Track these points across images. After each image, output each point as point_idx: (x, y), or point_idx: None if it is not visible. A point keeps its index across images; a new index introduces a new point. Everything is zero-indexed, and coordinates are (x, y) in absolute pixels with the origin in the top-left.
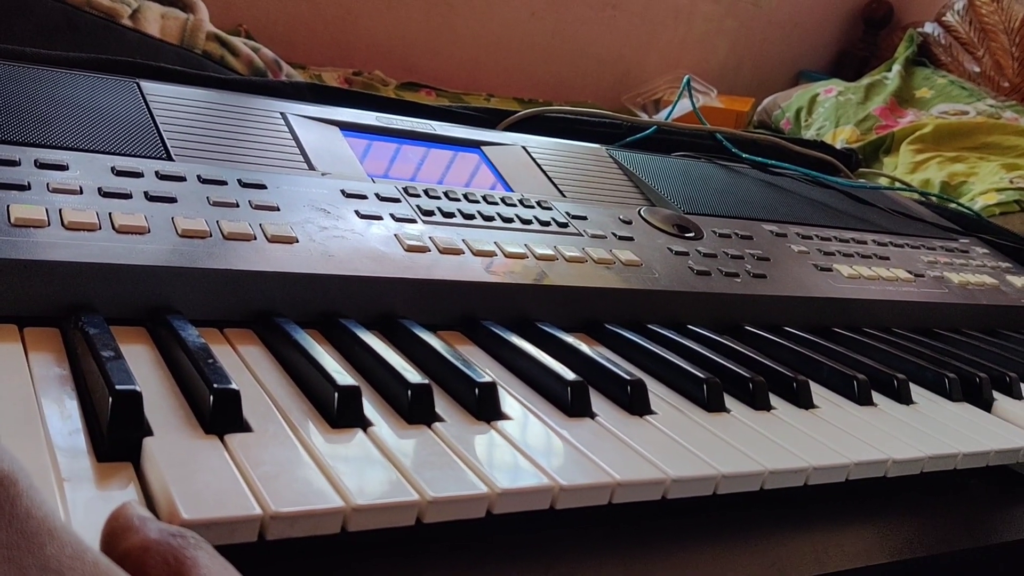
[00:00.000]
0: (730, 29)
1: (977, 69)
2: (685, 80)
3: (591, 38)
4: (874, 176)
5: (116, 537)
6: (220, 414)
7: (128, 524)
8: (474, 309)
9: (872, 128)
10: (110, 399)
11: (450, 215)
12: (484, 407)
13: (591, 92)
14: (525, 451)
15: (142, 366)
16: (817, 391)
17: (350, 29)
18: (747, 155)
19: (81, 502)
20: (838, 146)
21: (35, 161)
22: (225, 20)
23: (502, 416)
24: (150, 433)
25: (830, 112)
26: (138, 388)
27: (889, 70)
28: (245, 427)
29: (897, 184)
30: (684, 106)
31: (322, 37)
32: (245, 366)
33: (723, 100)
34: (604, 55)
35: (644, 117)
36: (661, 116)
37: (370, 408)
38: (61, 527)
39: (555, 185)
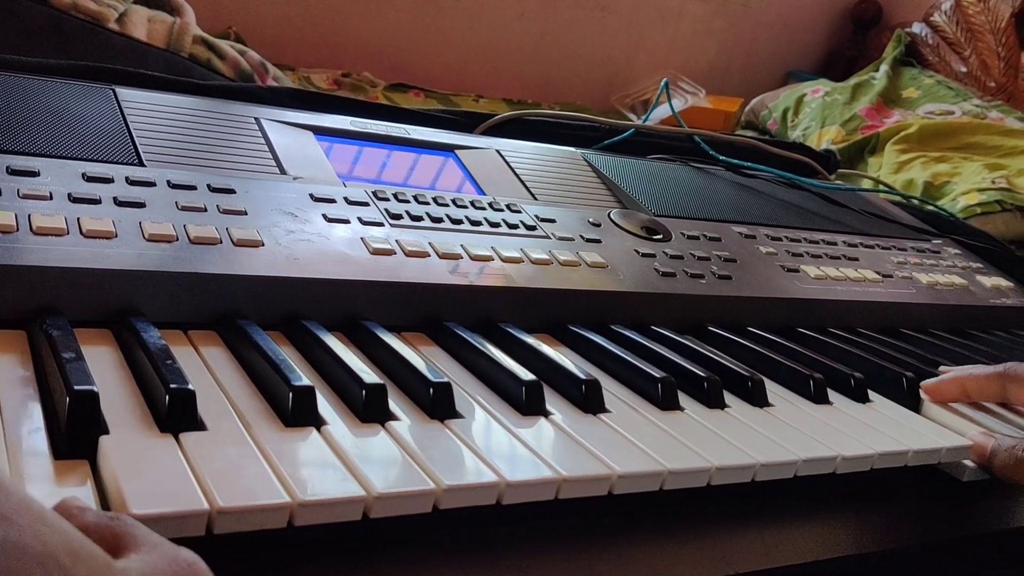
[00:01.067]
0: (719, 30)
1: (964, 69)
2: (663, 83)
3: (580, 39)
4: (856, 177)
5: None
6: (175, 413)
7: (68, 512)
8: (439, 311)
9: (858, 128)
10: (67, 399)
11: (418, 218)
12: (438, 406)
13: (580, 93)
14: (475, 448)
15: (104, 367)
16: (774, 390)
17: (339, 31)
18: (723, 157)
19: (39, 498)
20: (824, 146)
21: (6, 168)
22: (214, 23)
23: (456, 415)
24: (106, 432)
25: (816, 112)
26: (95, 388)
27: (877, 70)
28: (200, 426)
29: (872, 185)
30: (673, 105)
31: (311, 39)
32: (206, 367)
33: (711, 100)
34: (593, 56)
35: (633, 118)
36: (642, 119)
37: (327, 408)
38: (6, 480)
39: (527, 188)
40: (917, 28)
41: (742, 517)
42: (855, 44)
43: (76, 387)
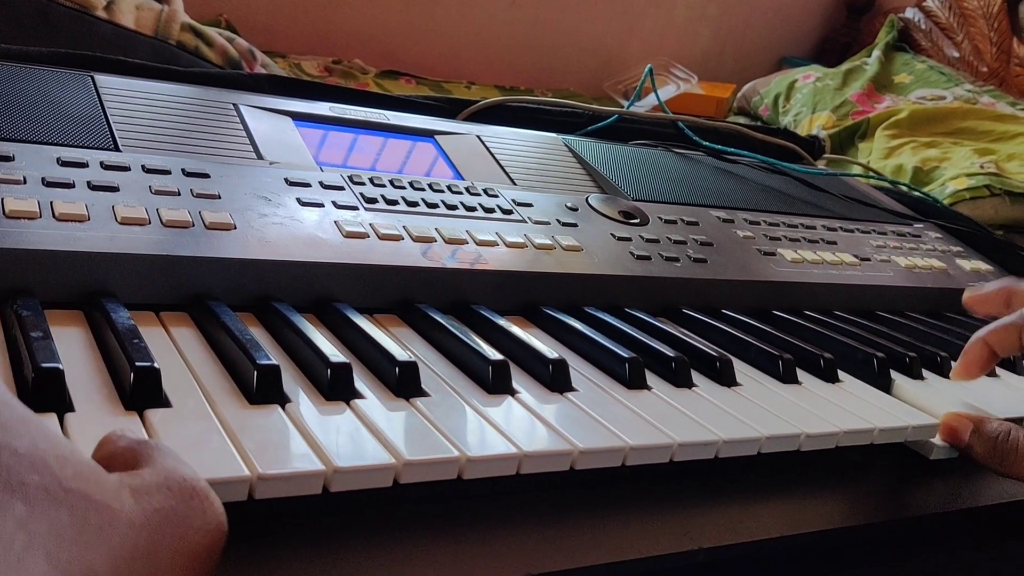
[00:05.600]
0: (712, 16)
1: (956, 54)
2: (647, 69)
3: (572, 26)
4: (844, 163)
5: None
6: (139, 390)
7: (108, 439)
8: (412, 293)
9: (849, 114)
10: (32, 376)
11: (393, 202)
12: (404, 385)
13: (573, 80)
14: (438, 425)
15: (74, 347)
16: (744, 370)
17: (330, 17)
18: (706, 143)
19: None
20: (815, 132)
21: None
22: (205, 10)
23: (422, 393)
24: (71, 409)
25: (807, 98)
26: (60, 366)
27: (869, 56)
28: (165, 403)
29: (860, 171)
30: (666, 92)
31: (302, 25)
32: (175, 347)
33: (704, 87)
34: (586, 43)
35: (626, 104)
36: (626, 105)
37: (294, 387)
38: (10, 398)
39: (506, 173)
40: (910, 13)
41: (706, 493)
42: (849, 30)
43: (41, 364)
